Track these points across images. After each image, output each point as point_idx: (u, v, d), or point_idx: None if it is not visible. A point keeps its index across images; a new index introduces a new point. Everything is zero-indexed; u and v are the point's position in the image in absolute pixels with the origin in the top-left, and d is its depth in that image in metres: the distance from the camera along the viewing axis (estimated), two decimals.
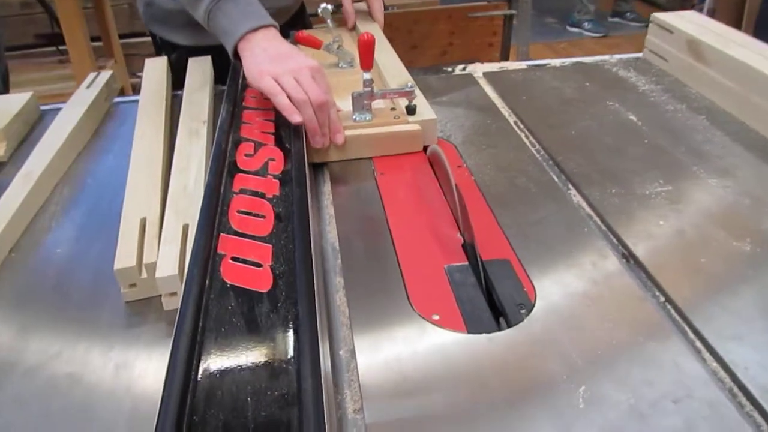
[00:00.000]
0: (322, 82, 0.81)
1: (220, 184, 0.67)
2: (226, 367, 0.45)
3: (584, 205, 0.75)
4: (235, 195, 0.65)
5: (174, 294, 0.60)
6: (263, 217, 0.62)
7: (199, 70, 1.03)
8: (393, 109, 0.86)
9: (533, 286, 0.61)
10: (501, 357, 0.53)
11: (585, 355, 0.53)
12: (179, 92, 1.00)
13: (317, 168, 0.83)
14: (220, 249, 0.57)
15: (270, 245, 0.58)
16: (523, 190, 0.77)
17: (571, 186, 0.79)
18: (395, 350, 0.54)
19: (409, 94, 0.83)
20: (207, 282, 0.53)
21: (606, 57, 1.18)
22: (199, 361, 0.45)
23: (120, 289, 0.61)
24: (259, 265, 0.55)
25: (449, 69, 1.17)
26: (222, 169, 0.69)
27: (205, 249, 0.57)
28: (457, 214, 0.70)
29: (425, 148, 0.84)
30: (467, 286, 0.61)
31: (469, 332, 0.56)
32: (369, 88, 0.81)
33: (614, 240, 0.69)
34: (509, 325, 0.57)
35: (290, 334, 0.48)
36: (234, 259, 0.56)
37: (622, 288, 0.61)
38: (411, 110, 0.84)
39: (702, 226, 0.69)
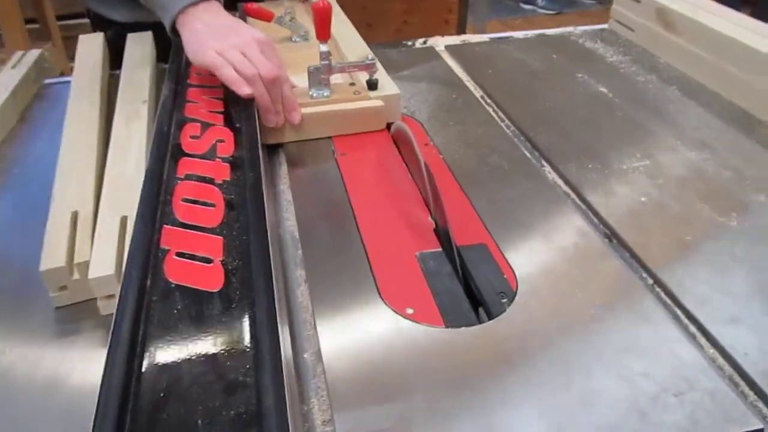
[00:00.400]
0: (272, 55, 0.73)
1: (163, 170, 0.59)
2: (172, 383, 0.38)
3: (560, 182, 0.70)
4: (179, 181, 0.58)
5: (112, 297, 0.52)
6: (212, 205, 0.55)
7: (139, 47, 0.95)
8: (353, 84, 0.79)
9: (513, 271, 0.56)
10: (484, 353, 0.48)
11: (575, 347, 0.48)
12: (117, 72, 0.91)
13: (272, 150, 0.76)
14: (163, 243, 0.50)
15: (221, 237, 0.51)
16: (495, 168, 0.71)
17: (545, 162, 0.74)
18: (367, 350, 0.49)
19: (369, 68, 0.76)
20: (148, 282, 0.46)
21: (570, 29, 1.14)
22: (139, 377, 0.39)
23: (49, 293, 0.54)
24: (209, 261, 0.48)
25: (409, 43, 1.10)
26: (165, 153, 0.62)
27: (145, 244, 0.50)
28: (428, 196, 0.64)
29: (388, 126, 0.78)
30: (442, 274, 0.56)
31: (447, 326, 0.50)
32: (326, 62, 0.74)
33: (594, 219, 0.64)
34: (490, 317, 0.52)
35: (247, 340, 0.41)
36: (179, 254, 0.49)
37: (608, 270, 0.56)
38: (372, 85, 0.78)
39: (685, 202, 0.65)
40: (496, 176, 0.70)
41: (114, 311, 0.43)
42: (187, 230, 0.52)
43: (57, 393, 0.47)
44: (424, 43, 1.09)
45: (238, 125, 0.68)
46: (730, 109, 0.84)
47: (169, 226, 0.52)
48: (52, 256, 0.53)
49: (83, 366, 0.49)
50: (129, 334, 0.41)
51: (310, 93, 0.76)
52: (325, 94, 0.76)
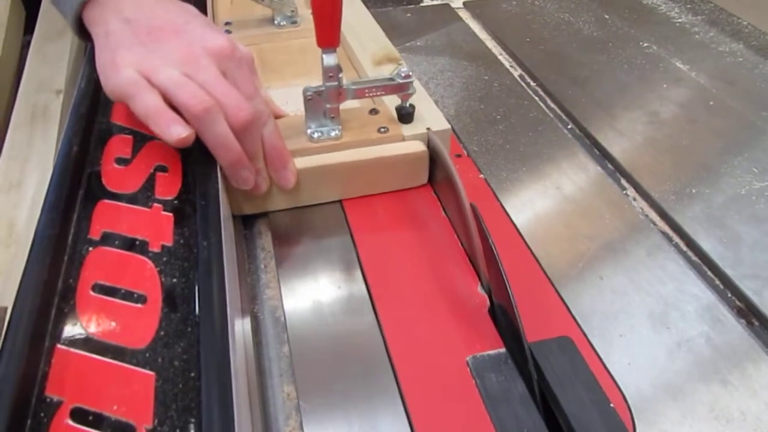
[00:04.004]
0: (243, 76, 0.43)
1: (69, 224, 0.38)
2: None
3: (654, 216, 0.50)
4: (92, 248, 0.36)
5: None
6: (142, 300, 0.33)
7: None
8: (374, 111, 0.51)
9: (622, 392, 0.36)
10: None
11: None
12: (30, 37, 0.68)
13: None
14: (51, 387, 0.29)
15: (152, 374, 0.30)
16: (568, 202, 0.50)
17: (626, 183, 0.53)
18: None
19: (403, 89, 0.48)
20: None
21: None
22: None
23: None
24: (131, 430, 0.28)
25: None
26: (74, 192, 0.40)
27: (20, 386, 0.29)
28: (473, 249, 0.43)
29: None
30: (512, 402, 0.35)
31: None
32: (335, 82, 0.46)
33: (719, 283, 0.44)
34: None
35: None
36: (76, 415, 0.28)
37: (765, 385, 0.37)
38: (406, 116, 0.49)
39: None
40: (567, 211, 0.49)
41: None
42: (98, 357, 0.30)
43: None
44: None
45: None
46: None
47: (64, 348, 0.31)
48: None
49: None
50: None
51: (309, 131, 0.48)
52: (334, 133, 0.48)
